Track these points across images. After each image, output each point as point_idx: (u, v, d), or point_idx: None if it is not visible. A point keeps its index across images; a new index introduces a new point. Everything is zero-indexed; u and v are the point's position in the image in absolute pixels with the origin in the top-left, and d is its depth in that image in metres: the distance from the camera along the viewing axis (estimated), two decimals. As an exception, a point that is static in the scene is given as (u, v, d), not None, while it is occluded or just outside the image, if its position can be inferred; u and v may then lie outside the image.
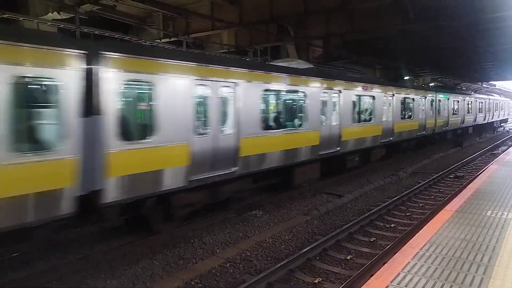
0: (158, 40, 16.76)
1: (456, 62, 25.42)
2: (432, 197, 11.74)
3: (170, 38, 16.96)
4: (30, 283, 5.77)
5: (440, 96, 22.41)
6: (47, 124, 5.73)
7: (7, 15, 10.51)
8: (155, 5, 14.23)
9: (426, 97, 20.00)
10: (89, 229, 7.70)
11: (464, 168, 16.74)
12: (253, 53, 17.66)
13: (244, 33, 17.10)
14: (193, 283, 5.99)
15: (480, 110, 32.14)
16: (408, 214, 9.95)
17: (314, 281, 6.12)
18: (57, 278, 6.01)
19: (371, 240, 8.07)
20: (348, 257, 7.12)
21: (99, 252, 6.92)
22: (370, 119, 14.69)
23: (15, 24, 11.01)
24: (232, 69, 8.57)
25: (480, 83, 46.48)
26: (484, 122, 33.81)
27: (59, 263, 6.47)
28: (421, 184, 12.93)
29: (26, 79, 5.37)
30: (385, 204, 10.29)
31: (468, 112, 28.30)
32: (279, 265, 6.37)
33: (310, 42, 17.27)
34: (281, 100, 10.99)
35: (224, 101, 8.47)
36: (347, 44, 18.20)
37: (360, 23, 15.22)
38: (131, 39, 14.62)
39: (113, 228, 7.78)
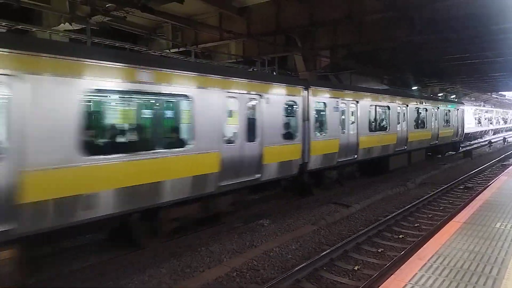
0: (167, 50, 17.00)
1: (464, 73, 25.31)
2: (441, 208, 11.63)
3: (179, 48, 17.20)
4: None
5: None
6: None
7: (20, 26, 10.77)
8: (165, 16, 14.45)
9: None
10: (95, 237, 7.79)
11: (474, 179, 16.57)
12: (261, 63, 17.80)
13: (252, 43, 17.30)
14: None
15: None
16: (416, 225, 9.86)
17: (321, 291, 6.09)
18: (64, 286, 6.06)
19: (379, 250, 8.02)
20: (356, 268, 7.08)
21: (105, 260, 6.97)
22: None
23: (28, 35, 11.29)
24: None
25: (489, 94, 46.16)
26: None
27: (66, 271, 6.53)
28: (430, 195, 12.82)
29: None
30: (393, 214, 10.22)
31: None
32: (286, 275, 6.36)
33: (317, 53, 17.37)
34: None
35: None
36: (353, 54, 18.26)
37: (366, 34, 15.26)
38: (141, 49, 14.85)
39: (118, 236, 7.87)
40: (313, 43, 16.20)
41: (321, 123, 12.16)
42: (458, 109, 24.94)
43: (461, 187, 14.62)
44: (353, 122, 13.69)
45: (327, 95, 12.32)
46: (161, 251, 7.49)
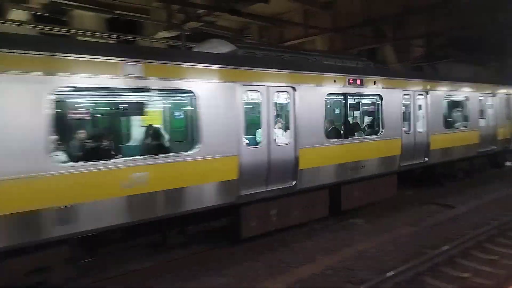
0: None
1: None
2: None
3: (264, 48, 17.57)
4: (151, 272, 6.48)
5: None
6: None
7: (128, 37, 12.02)
8: (251, 18, 14.89)
9: None
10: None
11: None
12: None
13: (338, 37, 16.89)
14: (295, 287, 6.02)
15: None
16: (539, 231, 8.58)
17: (426, 298, 5.64)
18: (171, 271, 6.57)
19: (492, 258, 7.15)
20: (465, 275, 6.40)
21: (208, 250, 7.39)
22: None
23: (133, 44, 12.53)
24: None
25: None
26: None
27: (173, 257, 7.05)
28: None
29: None
30: (510, 218, 9.03)
31: None
32: (384, 277, 6.02)
33: (410, 43, 16.28)
34: None
35: None
36: (453, 41, 16.72)
37: (468, 18, 13.86)
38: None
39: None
40: (406, 32, 15.24)
41: None
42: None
43: None
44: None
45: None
46: (256, 245, 7.67)
